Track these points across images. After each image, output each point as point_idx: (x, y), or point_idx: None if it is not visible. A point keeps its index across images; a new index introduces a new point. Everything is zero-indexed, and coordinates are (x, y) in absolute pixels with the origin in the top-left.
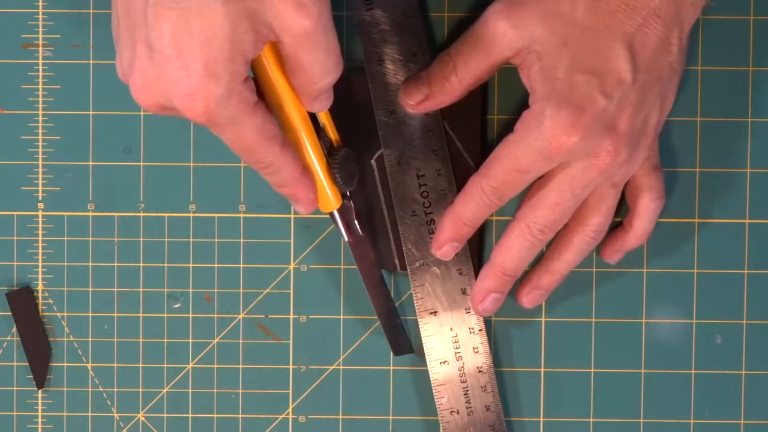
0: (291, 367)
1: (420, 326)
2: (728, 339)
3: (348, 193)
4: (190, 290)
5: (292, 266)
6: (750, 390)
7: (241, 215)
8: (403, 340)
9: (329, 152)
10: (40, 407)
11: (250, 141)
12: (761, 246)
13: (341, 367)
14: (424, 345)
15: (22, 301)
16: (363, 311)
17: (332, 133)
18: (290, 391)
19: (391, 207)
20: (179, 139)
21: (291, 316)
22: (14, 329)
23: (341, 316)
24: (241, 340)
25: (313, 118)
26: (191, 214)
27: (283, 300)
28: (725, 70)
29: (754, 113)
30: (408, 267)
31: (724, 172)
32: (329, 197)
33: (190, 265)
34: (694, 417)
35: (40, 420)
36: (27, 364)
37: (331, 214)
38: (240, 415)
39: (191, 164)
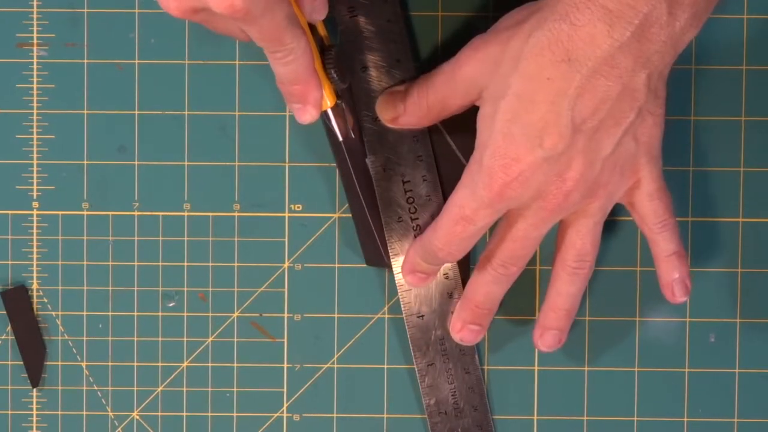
0: (285, 365)
1: (407, 329)
2: (722, 337)
3: (340, 93)
4: (185, 289)
5: (286, 265)
6: (743, 388)
7: (236, 214)
8: (378, 251)
9: (321, 50)
10: (34, 406)
11: (280, 27)
12: (755, 244)
13: (335, 366)
14: (411, 348)
15: (17, 299)
16: (357, 310)
17: (322, 30)
18: (285, 390)
19: None
20: (173, 138)
21: (285, 315)
22: (9, 328)
23: (335, 315)
24: (235, 339)
25: None
26: (186, 213)
27: (277, 299)
28: (719, 68)
29: (748, 112)
30: (394, 272)
31: (718, 170)
32: (324, 95)
33: (185, 264)
34: (688, 415)
35: (34, 419)
36: (22, 362)
37: (325, 113)
38: (234, 414)
39: (185, 163)
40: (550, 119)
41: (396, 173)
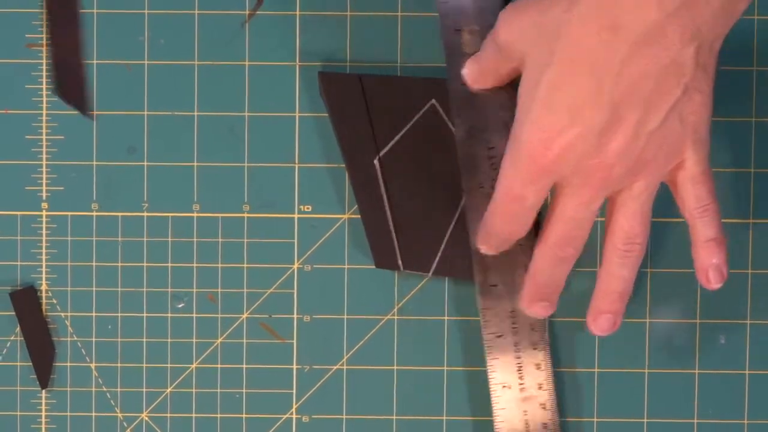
0: (295, 367)
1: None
2: (732, 339)
3: None
4: (194, 290)
5: (296, 266)
6: (754, 390)
7: (245, 215)
8: (388, 253)
9: None
10: (43, 407)
11: None
12: (765, 246)
13: (345, 367)
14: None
15: (26, 301)
16: (367, 311)
17: None
18: (294, 391)
19: (393, 206)
20: (183, 139)
21: (295, 316)
22: (18, 329)
23: (345, 316)
24: (244, 340)
25: None
26: (195, 214)
27: (286, 300)
28: (729, 69)
29: (758, 113)
30: (471, 242)
31: (728, 171)
32: None
33: (194, 265)
34: (698, 417)
35: (43, 420)
36: (30, 364)
37: None
38: (243, 415)
39: (195, 164)
40: (592, 91)
41: (480, 140)
